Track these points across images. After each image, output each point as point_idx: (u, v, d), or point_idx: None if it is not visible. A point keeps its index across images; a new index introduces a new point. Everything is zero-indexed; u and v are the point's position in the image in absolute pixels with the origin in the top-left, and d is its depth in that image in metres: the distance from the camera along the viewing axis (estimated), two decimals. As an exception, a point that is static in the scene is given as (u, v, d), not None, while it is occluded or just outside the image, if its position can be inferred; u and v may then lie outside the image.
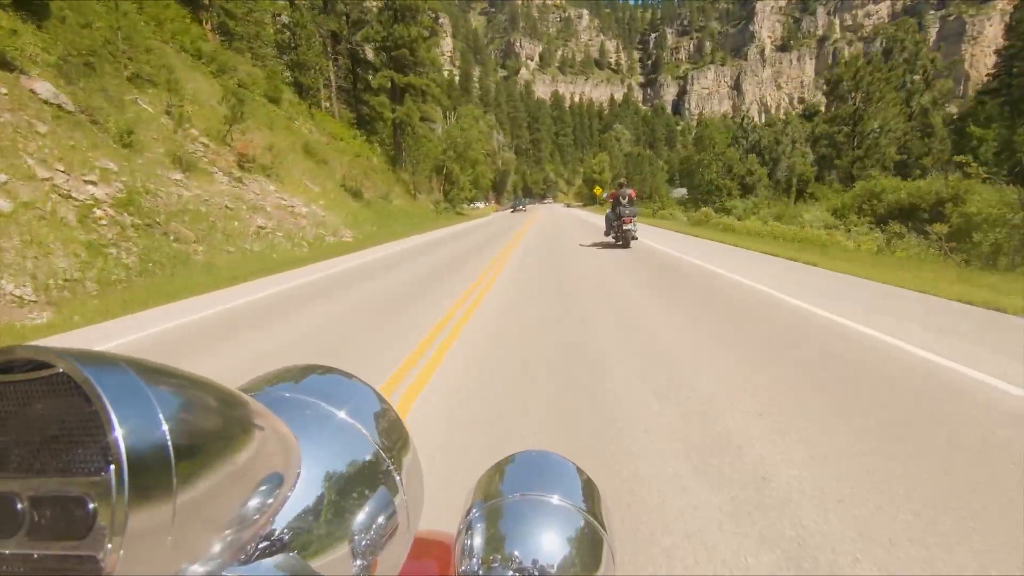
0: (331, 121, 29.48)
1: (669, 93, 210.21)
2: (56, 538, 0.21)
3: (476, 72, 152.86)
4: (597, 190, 48.17)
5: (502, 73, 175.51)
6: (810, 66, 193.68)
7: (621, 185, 12.01)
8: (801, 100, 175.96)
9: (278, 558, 0.28)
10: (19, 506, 0.22)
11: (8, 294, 6.64)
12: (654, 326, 4.90)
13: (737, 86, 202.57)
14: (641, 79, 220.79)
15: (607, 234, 12.51)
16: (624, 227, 11.43)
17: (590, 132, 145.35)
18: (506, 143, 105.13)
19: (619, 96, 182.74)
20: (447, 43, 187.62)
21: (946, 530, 1.84)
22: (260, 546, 0.28)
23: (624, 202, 11.59)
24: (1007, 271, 7.91)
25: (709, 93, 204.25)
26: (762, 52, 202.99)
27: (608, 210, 12.44)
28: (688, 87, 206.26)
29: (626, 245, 11.64)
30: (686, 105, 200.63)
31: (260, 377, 0.38)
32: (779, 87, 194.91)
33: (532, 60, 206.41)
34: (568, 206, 67.64)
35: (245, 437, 0.26)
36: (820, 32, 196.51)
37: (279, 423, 0.30)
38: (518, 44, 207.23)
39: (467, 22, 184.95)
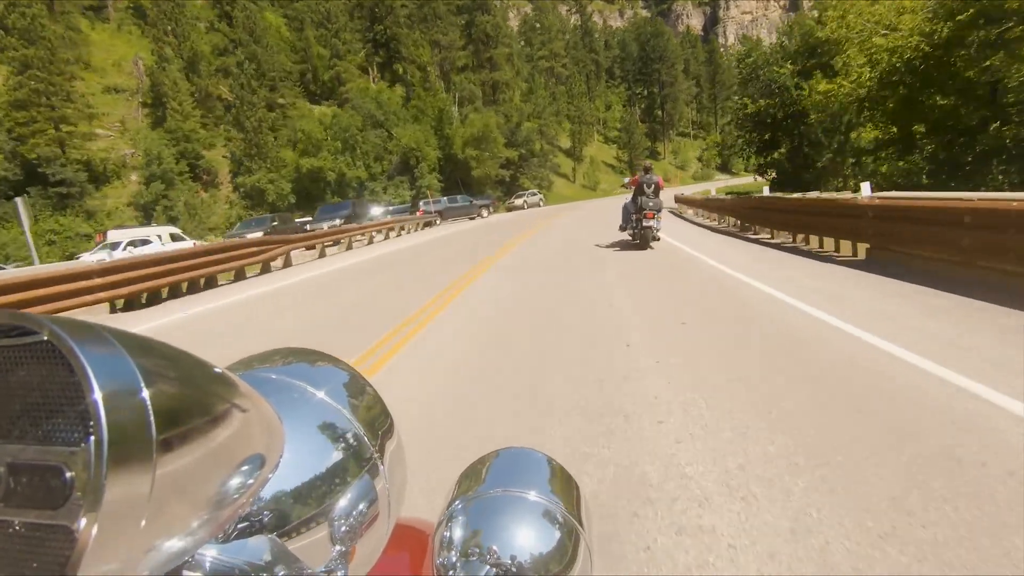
0: None
1: (692, 25, 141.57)
2: (32, 506, 0.21)
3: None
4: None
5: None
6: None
7: (647, 170, 10.07)
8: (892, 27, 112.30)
9: (256, 539, 0.28)
10: None
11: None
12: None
13: (795, 6, 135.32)
14: (644, 9, 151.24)
15: (623, 229, 10.58)
16: (645, 223, 9.57)
17: (596, 65, 75.21)
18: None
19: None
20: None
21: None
22: (239, 526, 0.28)
23: (649, 191, 9.62)
24: None
25: (753, 19, 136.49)
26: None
27: (627, 200, 10.40)
28: (721, 14, 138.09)
29: (644, 245, 9.70)
30: (718, 39, 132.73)
31: (247, 358, 0.38)
32: (858, 11, 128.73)
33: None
34: None
35: (228, 416, 0.25)
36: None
37: (264, 404, 0.29)
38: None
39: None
